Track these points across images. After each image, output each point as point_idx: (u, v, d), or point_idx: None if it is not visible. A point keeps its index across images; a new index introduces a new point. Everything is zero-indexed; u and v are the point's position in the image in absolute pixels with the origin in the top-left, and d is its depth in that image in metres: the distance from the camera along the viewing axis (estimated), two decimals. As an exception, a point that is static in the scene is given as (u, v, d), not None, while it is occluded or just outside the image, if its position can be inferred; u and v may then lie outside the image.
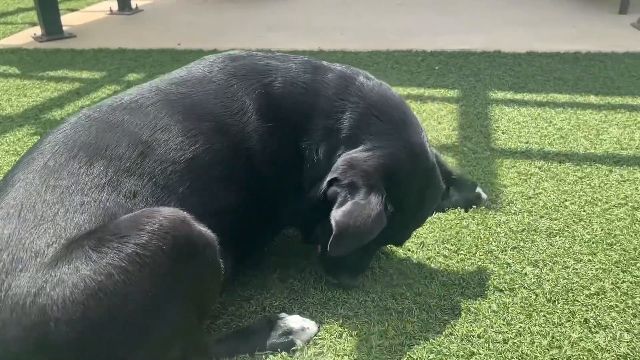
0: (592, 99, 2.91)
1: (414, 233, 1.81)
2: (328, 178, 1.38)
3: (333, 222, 1.29)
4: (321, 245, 1.57)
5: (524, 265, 1.66)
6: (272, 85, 1.49)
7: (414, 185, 1.46)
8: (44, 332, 0.98)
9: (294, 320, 1.41)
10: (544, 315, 1.46)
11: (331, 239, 1.28)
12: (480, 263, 1.68)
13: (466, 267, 1.66)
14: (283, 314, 1.43)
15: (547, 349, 1.35)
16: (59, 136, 1.27)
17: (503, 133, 2.57)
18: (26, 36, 4.41)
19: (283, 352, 1.36)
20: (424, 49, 3.93)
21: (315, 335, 1.41)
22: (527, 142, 2.46)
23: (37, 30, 4.43)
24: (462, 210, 1.94)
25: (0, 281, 1.02)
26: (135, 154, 1.25)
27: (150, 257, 1.04)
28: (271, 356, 1.34)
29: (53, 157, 1.21)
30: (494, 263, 1.67)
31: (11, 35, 4.46)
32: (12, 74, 3.54)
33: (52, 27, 4.37)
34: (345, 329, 1.43)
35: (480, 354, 1.35)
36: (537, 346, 1.36)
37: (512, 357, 1.33)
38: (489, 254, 1.71)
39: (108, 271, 1.02)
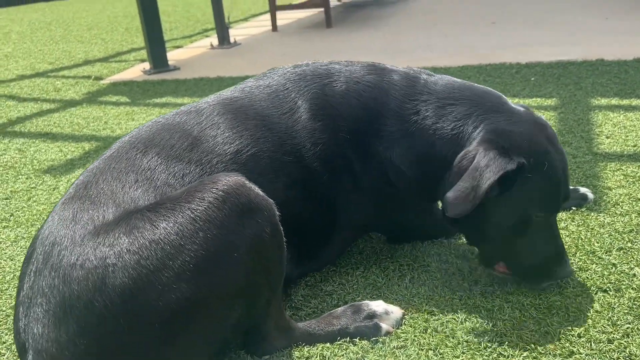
0: None
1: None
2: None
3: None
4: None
5: (632, 266, 1.50)
6: (333, 85, 1.52)
7: (541, 146, 1.37)
8: (102, 275, 1.05)
9: (377, 305, 1.37)
10: (657, 317, 1.31)
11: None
12: (580, 263, 1.54)
13: (565, 267, 1.53)
14: (366, 301, 1.40)
15: (661, 351, 1.20)
16: (126, 136, 1.44)
17: (607, 137, 2.39)
18: (136, 71, 4.80)
19: (364, 342, 1.31)
20: (518, 61, 3.79)
21: (401, 321, 1.36)
22: (635, 146, 2.26)
23: (147, 65, 4.80)
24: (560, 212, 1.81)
25: (71, 236, 1.14)
26: (185, 145, 1.36)
27: (202, 211, 1.09)
28: (352, 347, 1.31)
29: (118, 149, 1.37)
30: (596, 264, 1.53)
31: (124, 71, 4.87)
32: (123, 102, 3.85)
33: (159, 61, 4.72)
34: (431, 324, 1.36)
35: (580, 354, 1.23)
36: (648, 347, 1.22)
37: (618, 358, 1.20)
38: (590, 255, 1.58)
39: (162, 225, 1.09)
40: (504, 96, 1.52)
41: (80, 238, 1.13)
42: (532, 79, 3.42)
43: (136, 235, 1.08)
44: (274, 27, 6.37)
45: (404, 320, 1.38)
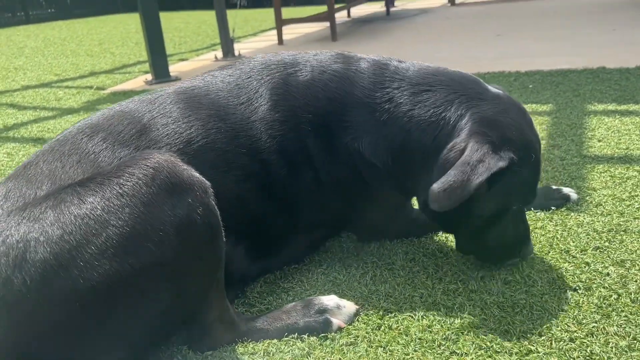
0: None
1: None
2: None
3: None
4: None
5: (607, 265, 1.42)
6: (297, 74, 1.46)
7: (528, 138, 1.35)
8: (23, 249, 1.00)
9: (329, 299, 1.31)
10: (626, 316, 1.22)
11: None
12: (553, 262, 1.46)
13: (535, 266, 1.45)
14: (318, 296, 1.34)
15: (625, 351, 1.12)
16: (79, 122, 1.40)
17: (599, 141, 2.30)
18: (139, 82, 4.82)
19: (312, 338, 1.24)
20: (518, 70, 3.73)
21: (354, 317, 1.30)
22: (627, 149, 2.18)
23: (149, 77, 4.83)
24: (539, 211, 1.73)
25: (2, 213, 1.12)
26: (133, 131, 1.31)
27: (130, 187, 1.05)
28: (299, 343, 1.24)
29: (66, 134, 1.35)
30: (569, 262, 1.45)
31: (127, 82, 4.90)
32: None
33: (160, 71, 4.74)
34: (385, 322, 1.29)
35: (538, 352, 1.14)
36: (612, 347, 1.13)
37: (577, 357, 1.11)
38: (564, 253, 1.49)
39: (89, 200, 1.04)
40: (480, 80, 1.46)
41: (7, 214, 1.09)
42: (530, 86, 3.35)
43: (62, 209, 1.04)
44: (280, 40, 6.39)
45: (357, 317, 1.31)
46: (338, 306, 1.29)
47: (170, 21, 10.25)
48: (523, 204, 1.40)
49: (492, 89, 1.43)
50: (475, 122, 1.32)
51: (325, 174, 1.46)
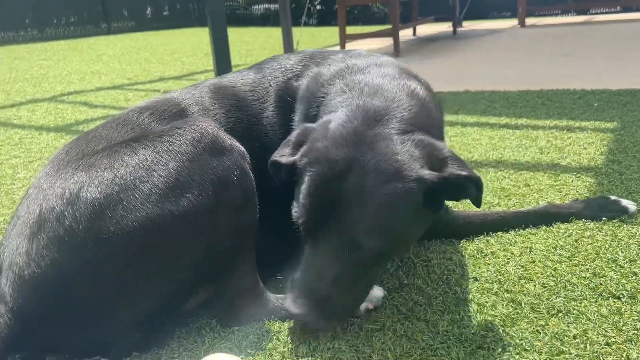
0: None
1: (518, 239, 1.60)
2: None
3: None
4: None
5: (657, 277, 1.34)
6: (295, 79, 1.53)
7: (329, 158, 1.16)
8: (77, 190, 1.10)
9: None
10: (671, 327, 1.14)
11: None
12: (597, 270, 1.39)
13: (578, 272, 1.39)
14: None
15: (666, 360, 1.05)
16: (129, 107, 1.53)
17: (663, 158, 2.18)
18: (204, 87, 5.01)
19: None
20: (584, 88, 3.60)
21: (382, 300, 1.30)
22: (694, 167, 2.05)
23: (214, 83, 5.01)
24: (589, 221, 1.66)
25: (58, 164, 1.24)
26: (173, 111, 1.43)
27: (178, 145, 1.16)
28: (324, 326, 1.23)
29: (119, 114, 1.47)
30: (615, 271, 1.38)
31: (192, 87, 5.10)
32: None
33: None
34: (413, 313, 1.27)
35: (570, 353, 1.09)
36: (652, 355, 1.06)
37: (612, 361, 1.06)
38: (611, 262, 1.42)
39: (141, 152, 1.16)
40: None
41: (65, 163, 1.20)
42: (595, 104, 3.22)
43: (115, 158, 1.15)
44: (343, 55, 6.45)
45: (385, 306, 1.30)
46: None
47: (241, 36, 10.60)
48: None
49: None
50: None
51: None
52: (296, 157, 1.21)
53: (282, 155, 1.25)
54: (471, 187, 1.15)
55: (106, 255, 1.07)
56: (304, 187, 1.15)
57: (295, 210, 1.18)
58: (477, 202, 1.19)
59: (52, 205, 1.11)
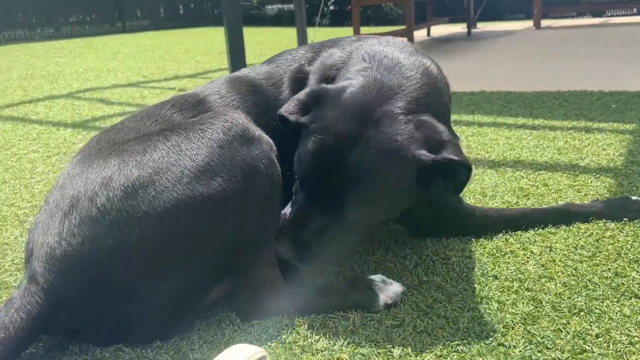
0: None
1: (537, 238, 1.59)
2: None
3: None
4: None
5: (680, 277, 1.32)
6: (307, 65, 1.59)
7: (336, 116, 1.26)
8: (110, 173, 1.14)
9: (375, 276, 1.32)
10: (696, 327, 1.13)
11: None
12: (619, 270, 1.38)
13: (600, 272, 1.38)
14: (365, 274, 1.35)
15: (692, 360, 1.04)
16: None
17: (684, 160, 2.16)
18: (218, 86, 5.03)
19: (357, 317, 1.24)
20: (601, 89, 3.57)
21: (401, 296, 1.30)
22: None
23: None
24: (609, 222, 1.64)
25: (89, 151, 1.28)
26: (192, 102, 1.47)
27: (210, 132, 1.19)
28: (344, 321, 1.23)
29: (140, 110, 1.51)
30: (637, 271, 1.37)
31: (207, 85, 5.13)
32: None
33: (239, 77, 4.93)
34: (433, 310, 1.26)
35: (592, 352, 1.08)
36: (677, 355, 1.05)
37: (636, 360, 1.05)
38: (633, 263, 1.41)
39: (174, 138, 1.19)
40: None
41: (97, 150, 1.24)
42: (613, 105, 3.20)
43: (148, 144, 1.19)
44: (357, 54, 6.45)
45: (404, 302, 1.29)
46: (384, 281, 1.30)
47: (254, 35, 10.63)
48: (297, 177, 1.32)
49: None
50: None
51: None
52: (305, 119, 1.29)
53: (292, 113, 1.31)
54: (462, 172, 1.23)
55: (137, 235, 1.08)
56: (308, 148, 1.25)
57: (296, 164, 1.30)
58: (460, 189, 1.29)
59: (85, 187, 1.13)
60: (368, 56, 1.40)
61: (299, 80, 1.53)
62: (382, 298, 1.26)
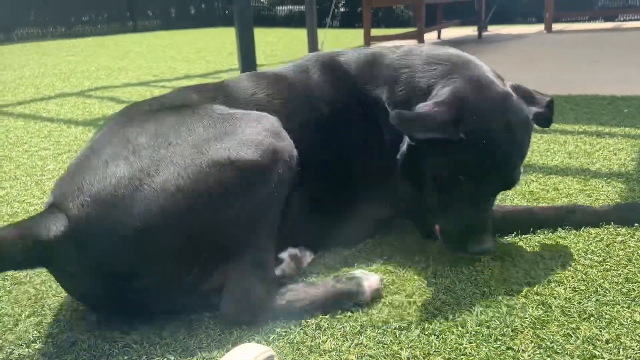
0: None
1: (547, 242, 1.58)
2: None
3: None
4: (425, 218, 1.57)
5: (692, 284, 1.31)
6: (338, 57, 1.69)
7: (489, 113, 1.38)
8: (138, 131, 1.28)
9: (356, 271, 1.39)
10: None
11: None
12: (630, 275, 1.37)
13: (610, 277, 1.37)
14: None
15: (703, 367, 1.03)
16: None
17: (697, 166, 2.14)
18: (228, 86, 5.04)
19: (364, 318, 1.23)
20: (613, 94, 3.55)
21: (382, 283, 1.36)
22: None
23: (238, 82, 5.04)
24: (620, 227, 1.63)
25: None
26: (213, 86, 1.60)
27: (244, 120, 1.32)
28: (351, 322, 1.23)
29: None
30: (648, 277, 1.36)
31: (217, 85, 5.15)
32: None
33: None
34: (441, 313, 1.26)
35: (602, 357, 1.07)
36: (688, 362, 1.04)
37: (647, 367, 1.04)
38: (644, 268, 1.40)
39: (203, 116, 1.32)
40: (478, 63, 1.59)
41: (126, 119, 1.37)
42: (625, 110, 3.18)
43: (190, 128, 1.28)
44: (367, 56, 6.45)
45: (411, 305, 1.29)
46: (365, 273, 1.36)
47: (265, 36, 10.65)
48: (471, 179, 1.36)
49: (489, 75, 1.51)
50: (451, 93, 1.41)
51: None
52: (455, 116, 1.33)
53: (438, 111, 1.34)
54: (552, 108, 1.52)
55: (179, 206, 1.16)
56: (481, 147, 1.33)
57: (474, 166, 1.36)
58: (551, 119, 1.53)
59: (121, 140, 1.25)
60: (433, 58, 1.59)
61: (332, 68, 1.63)
62: (366, 284, 1.31)
